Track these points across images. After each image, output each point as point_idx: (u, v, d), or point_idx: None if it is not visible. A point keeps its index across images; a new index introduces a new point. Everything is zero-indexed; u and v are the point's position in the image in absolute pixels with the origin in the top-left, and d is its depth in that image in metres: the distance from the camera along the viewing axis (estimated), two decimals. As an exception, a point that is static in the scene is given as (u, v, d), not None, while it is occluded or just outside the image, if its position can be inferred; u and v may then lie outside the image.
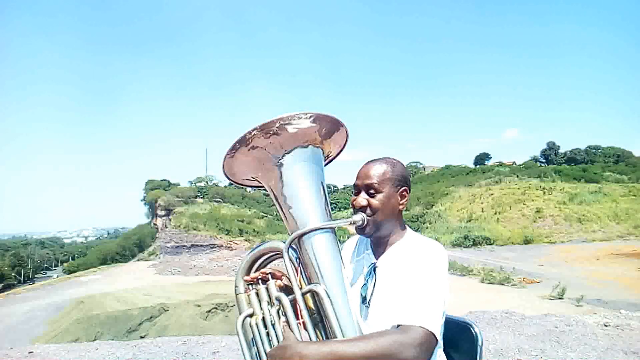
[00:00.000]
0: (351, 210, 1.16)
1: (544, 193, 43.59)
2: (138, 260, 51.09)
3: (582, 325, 4.48)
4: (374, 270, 1.12)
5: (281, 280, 1.07)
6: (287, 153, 1.02)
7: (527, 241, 36.36)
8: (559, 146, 62.37)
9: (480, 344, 1.17)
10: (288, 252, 0.99)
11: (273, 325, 0.96)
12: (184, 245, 47.46)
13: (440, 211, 47.37)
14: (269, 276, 1.05)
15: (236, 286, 1.09)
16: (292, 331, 0.92)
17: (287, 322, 0.95)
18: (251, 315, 1.02)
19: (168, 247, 47.84)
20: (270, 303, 1.00)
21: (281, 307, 0.97)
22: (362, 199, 1.11)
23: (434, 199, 50.47)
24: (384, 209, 1.11)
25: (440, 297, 0.98)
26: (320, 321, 0.98)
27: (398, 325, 0.94)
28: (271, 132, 0.99)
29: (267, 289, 1.02)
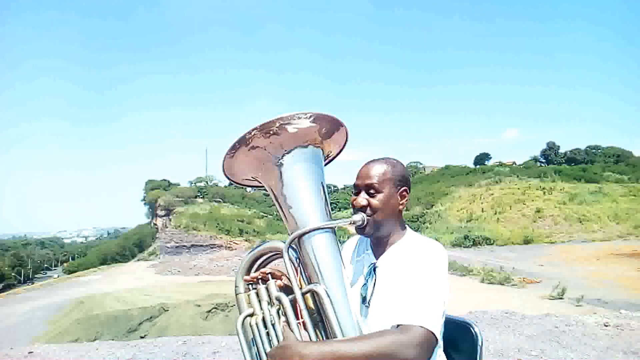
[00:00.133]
0: (351, 210, 1.15)
1: (544, 193, 43.53)
2: (138, 260, 50.97)
3: (582, 325, 4.48)
4: (374, 270, 1.12)
5: (281, 280, 1.07)
6: (287, 153, 1.02)
7: (527, 241, 36.30)
8: (559, 146, 62.31)
9: (480, 344, 1.17)
10: (288, 252, 0.99)
11: (273, 325, 0.96)
12: (184, 245, 47.41)
13: (440, 211, 47.33)
14: (269, 276, 1.05)
15: (236, 286, 1.09)
16: (292, 331, 0.92)
17: (287, 322, 0.95)
18: (251, 315, 1.02)
19: (168, 247, 47.79)
20: (270, 303, 1.00)
21: (281, 307, 0.97)
22: (362, 198, 1.11)
23: (434, 199, 50.40)
24: (384, 209, 1.11)
25: (441, 297, 0.98)
26: (320, 321, 0.97)
27: (398, 325, 0.94)
28: (271, 132, 0.99)
29: (267, 288, 1.02)
